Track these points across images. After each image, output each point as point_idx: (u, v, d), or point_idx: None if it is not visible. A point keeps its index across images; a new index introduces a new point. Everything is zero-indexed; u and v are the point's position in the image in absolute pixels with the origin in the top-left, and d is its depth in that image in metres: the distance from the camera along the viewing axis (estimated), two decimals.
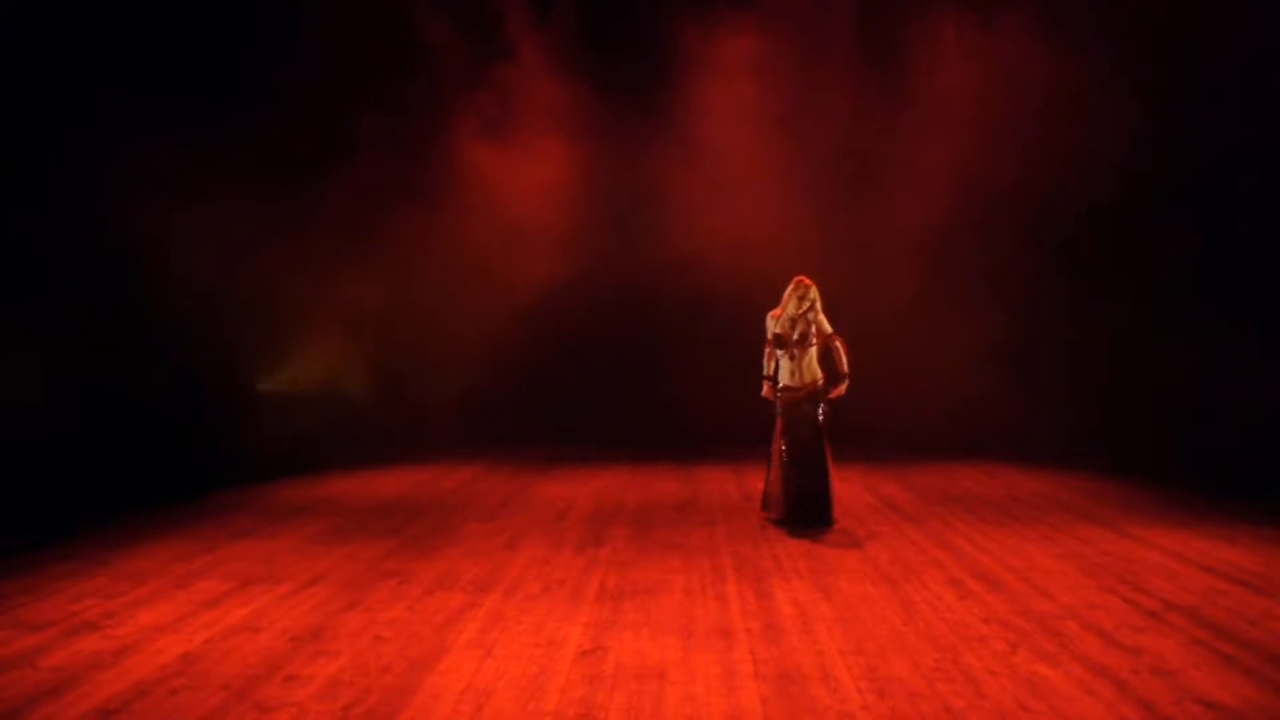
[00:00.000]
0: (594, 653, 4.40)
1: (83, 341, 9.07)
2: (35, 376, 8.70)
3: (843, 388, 7.02)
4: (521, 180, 11.54)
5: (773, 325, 7.06)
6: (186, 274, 9.68)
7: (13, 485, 7.72)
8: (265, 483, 9.21)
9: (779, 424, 7.05)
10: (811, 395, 6.96)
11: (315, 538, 6.92)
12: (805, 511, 6.96)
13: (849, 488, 8.63)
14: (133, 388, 9.46)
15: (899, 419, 10.97)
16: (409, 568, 6.01)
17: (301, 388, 11.36)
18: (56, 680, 4.16)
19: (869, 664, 4.21)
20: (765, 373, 7.23)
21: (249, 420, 10.59)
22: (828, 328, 7.02)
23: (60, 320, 9.02)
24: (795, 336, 6.95)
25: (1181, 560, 5.93)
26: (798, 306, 6.92)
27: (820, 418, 6.98)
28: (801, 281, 6.97)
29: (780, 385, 7.07)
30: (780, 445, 7.01)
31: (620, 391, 11.93)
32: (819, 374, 7.01)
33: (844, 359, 7.01)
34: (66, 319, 9.06)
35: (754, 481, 9.01)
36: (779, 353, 7.06)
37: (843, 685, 3.97)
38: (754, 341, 7.51)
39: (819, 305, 6.96)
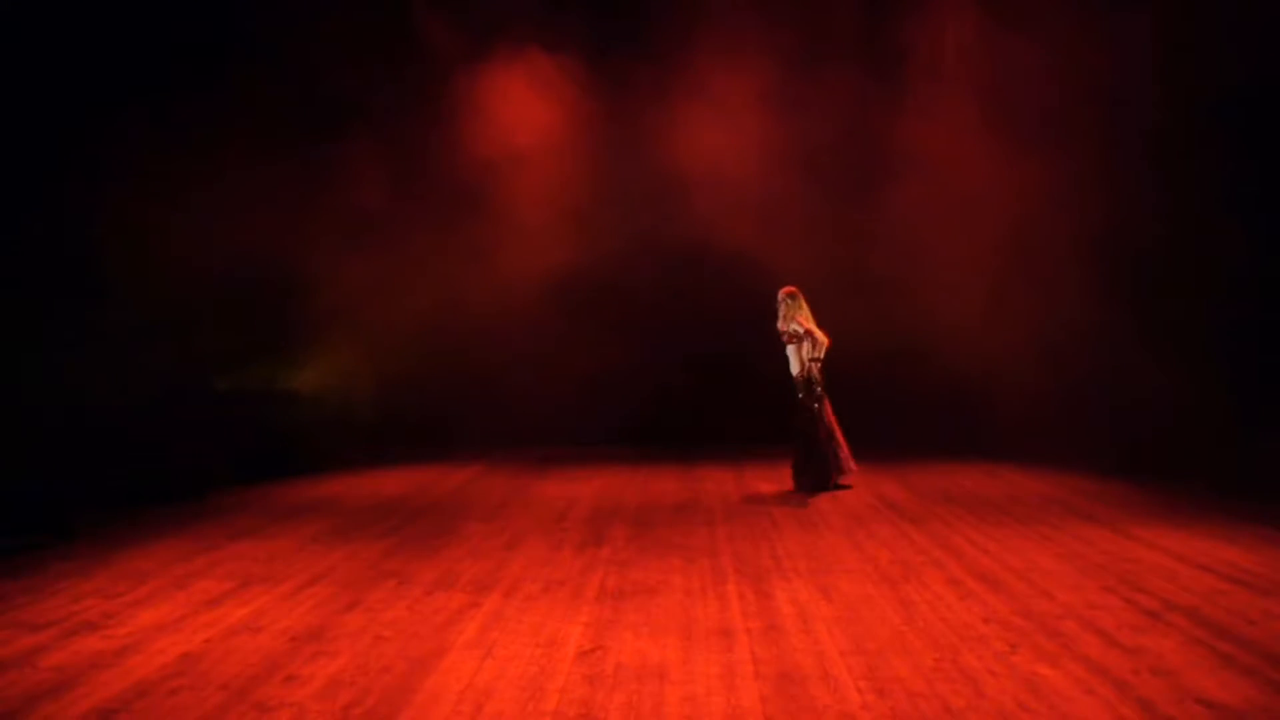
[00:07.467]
0: (594, 653, 4.40)
1: (78, 341, 9.07)
2: (32, 377, 8.71)
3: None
4: (525, 169, 11.47)
5: (787, 325, 8.27)
6: (183, 271, 9.67)
7: (12, 485, 7.72)
8: (265, 483, 9.21)
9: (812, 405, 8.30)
10: (808, 380, 8.31)
11: (315, 538, 6.93)
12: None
13: (850, 489, 8.64)
14: (130, 387, 9.45)
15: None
16: (409, 568, 6.02)
17: (302, 386, 11.34)
18: (56, 680, 4.16)
19: (869, 664, 4.21)
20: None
21: (247, 419, 10.57)
22: (812, 324, 8.27)
23: (55, 319, 9.03)
24: (792, 334, 8.25)
25: (1181, 560, 5.93)
26: (791, 311, 8.22)
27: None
28: (788, 291, 8.29)
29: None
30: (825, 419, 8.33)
31: (621, 389, 11.90)
32: (805, 363, 8.30)
33: (820, 347, 8.26)
34: (61, 318, 9.06)
35: (754, 482, 9.03)
36: (789, 348, 8.32)
37: (843, 685, 3.97)
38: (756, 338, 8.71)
39: (806, 309, 8.26)
